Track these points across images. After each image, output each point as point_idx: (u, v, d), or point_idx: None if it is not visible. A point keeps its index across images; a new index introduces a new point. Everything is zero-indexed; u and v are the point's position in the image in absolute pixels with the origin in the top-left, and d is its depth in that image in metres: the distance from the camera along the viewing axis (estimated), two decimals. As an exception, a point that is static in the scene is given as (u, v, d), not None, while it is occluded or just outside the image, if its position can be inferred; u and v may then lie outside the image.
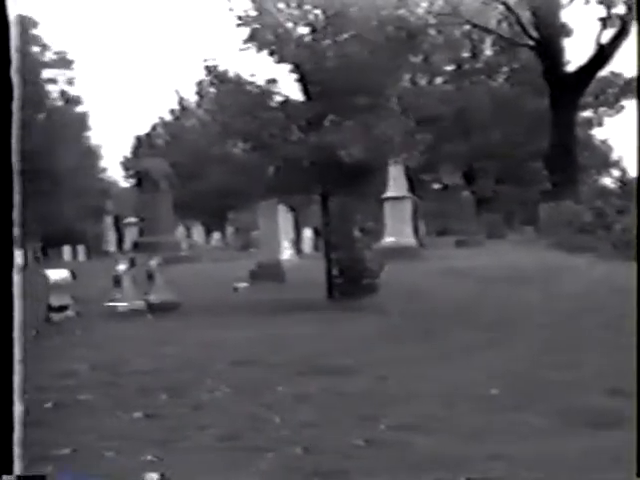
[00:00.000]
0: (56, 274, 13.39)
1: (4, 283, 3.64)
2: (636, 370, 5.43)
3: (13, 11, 3.63)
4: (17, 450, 3.69)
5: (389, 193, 24.66)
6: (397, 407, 6.56)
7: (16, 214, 3.67)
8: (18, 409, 3.68)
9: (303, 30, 26.30)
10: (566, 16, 41.61)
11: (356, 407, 6.61)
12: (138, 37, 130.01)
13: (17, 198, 3.70)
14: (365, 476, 4.89)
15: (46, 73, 53.11)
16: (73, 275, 13.94)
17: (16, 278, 3.73)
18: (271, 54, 26.51)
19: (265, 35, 25.35)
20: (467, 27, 40.90)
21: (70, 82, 53.88)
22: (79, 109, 54.93)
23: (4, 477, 3.68)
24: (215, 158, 48.16)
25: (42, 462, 5.39)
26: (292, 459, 5.27)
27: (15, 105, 3.67)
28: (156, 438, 5.85)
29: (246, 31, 25.09)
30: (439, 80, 47.48)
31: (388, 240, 23.90)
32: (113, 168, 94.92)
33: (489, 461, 5.04)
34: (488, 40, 45.62)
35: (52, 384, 7.87)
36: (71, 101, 54.04)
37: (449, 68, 46.81)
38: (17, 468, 3.79)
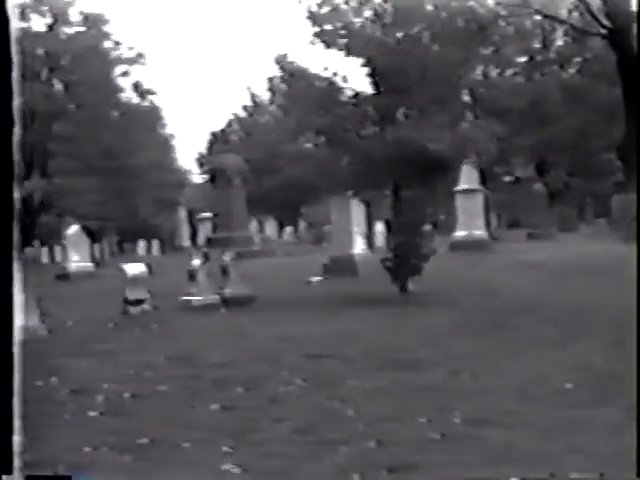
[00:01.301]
0: (133, 268, 13.62)
1: (4, 282, 3.68)
2: (636, 370, 5.38)
3: (12, 10, 3.67)
4: (17, 450, 3.73)
5: (461, 186, 24.49)
6: (471, 401, 6.55)
7: (16, 214, 3.70)
8: (17, 410, 3.72)
9: (373, 24, 26.21)
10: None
11: (430, 401, 6.61)
12: (210, 35, 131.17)
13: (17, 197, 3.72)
14: (441, 470, 4.89)
15: (120, 69, 53.86)
16: (149, 269, 14.17)
17: (17, 276, 3.77)
18: (340, 49, 26.49)
19: (334, 30, 25.33)
20: (538, 17, 40.31)
21: (143, 79, 54.54)
22: (152, 102, 55.58)
23: (4, 477, 3.72)
24: (288, 153, 48.37)
25: (122, 451, 5.54)
26: (367, 452, 5.30)
27: (16, 103, 3.71)
28: (232, 430, 5.94)
29: (315, 27, 25.13)
30: (510, 72, 46.91)
31: (460, 233, 23.76)
32: (187, 162, 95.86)
33: (566, 456, 5.01)
34: (559, 30, 44.91)
35: (131, 375, 8.05)
36: (145, 95, 54.75)
37: (520, 60, 46.20)
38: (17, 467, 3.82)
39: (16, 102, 3.67)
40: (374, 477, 4.82)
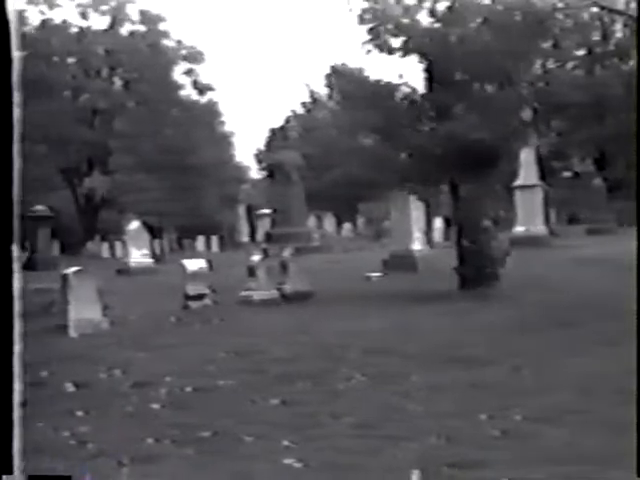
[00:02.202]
0: (193, 264, 13.75)
1: (4, 282, 3.70)
2: (636, 370, 5.30)
3: (12, 9, 3.71)
4: (17, 450, 3.76)
5: (519, 181, 24.29)
6: (532, 398, 6.51)
7: (16, 211, 3.73)
8: (17, 409, 3.76)
9: (428, 19, 25.97)
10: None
11: (491, 397, 6.59)
12: (269, 31, 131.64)
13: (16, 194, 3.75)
14: (503, 467, 4.87)
15: (180, 67, 54.36)
16: (210, 265, 14.29)
17: (16, 275, 3.79)
18: (390, 52, 26.31)
19: (388, 31, 25.16)
20: (596, 9, 39.71)
21: (205, 74, 55.02)
22: (211, 100, 56.02)
23: (4, 477, 3.76)
24: (346, 149, 48.39)
25: (184, 444, 5.61)
26: (428, 448, 5.30)
27: (16, 102, 3.74)
28: (293, 424, 5.98)
29: (368, 28, 24.90)
30: (569, 65, 46.33)
31: (519, 229, 23.57)
32: (245, 159, 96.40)
33: (629, 455, 4.95)
34: (619, 22, 44.20)
35: (193, 369, 8.14)
36: (204, 92, 55.19)
37: (579, 52, 45.58)
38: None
39: (16, 101, 3.70)
40: (435, 473, 4.82)
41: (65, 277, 11.66)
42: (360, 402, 6.62)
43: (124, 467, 5.23)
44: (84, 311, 11.43)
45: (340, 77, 41.97)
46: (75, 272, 11.70)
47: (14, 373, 3.63)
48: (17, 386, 3.64)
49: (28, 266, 31.98)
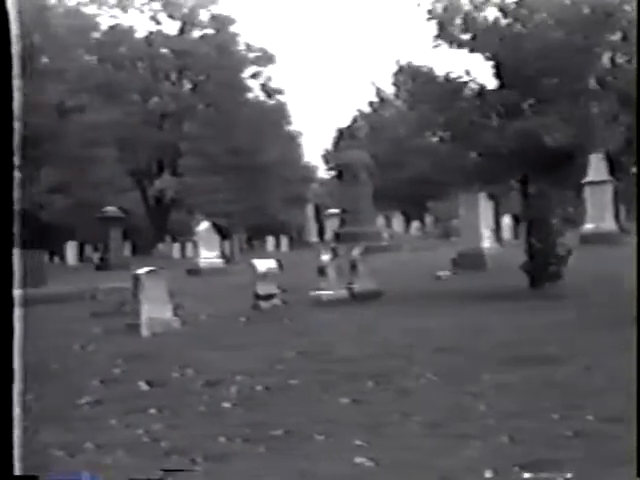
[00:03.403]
0: (264, 264, 13.86)
1: (4, 283, 3.72)
2: (636, 370, 5.15)
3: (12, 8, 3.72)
4: (17, 451, 3.79)
5: (589, 178, 23.97)
6: (604, 397, 6.42)
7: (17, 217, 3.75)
8: (17, 409, 3.78)
9: (495, 15, 25.74)
10: None
11: (562, 397, 6.53)
12: (335, 31, 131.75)
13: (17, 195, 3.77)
14: (575, 467, 4.83)
15: (249, 70, 54.77)
16: (280, 265, 14.39)
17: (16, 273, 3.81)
18: (459, 46, 26.10)
19: (456, 28, 24.99)
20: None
21: (270, 78, 55.31)
22: (279, 101, 56.36)
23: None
24: (414, 148, 48.21)
25: (256, 442, 5.67)
26: (499, 448, 5.27)
27: (16, 104, 3.76)
28: (363, 423, 6.00)
29: (437, 22, 24.80)
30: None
31: (588, 226, 23.28)
32: (313, 159, 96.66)
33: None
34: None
35: (263, 369, 8.21)
36: (272, 94, 55.51)
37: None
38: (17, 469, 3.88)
39: (16, 101, 3.73)
40: (507, 473, 4.80)
41: (137, 277, 11.85)
42: (430, 401, 6.61)
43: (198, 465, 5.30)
44: (156, 310, 11.62)
45: (408, 74, 41.75)
46: (147, 272, 11.89)
47: (14, 373, 3.66)
48: (17, 386, 3.68)
49: (101, 266, 32.62)
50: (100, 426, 6.45)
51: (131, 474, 5.21)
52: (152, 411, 6.78)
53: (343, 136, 63.88)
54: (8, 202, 3.63)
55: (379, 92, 64.22)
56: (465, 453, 5.17)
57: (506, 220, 33.86)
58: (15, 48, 3.65)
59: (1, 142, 3.63)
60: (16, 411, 3.64)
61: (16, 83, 3.68)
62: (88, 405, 7.23)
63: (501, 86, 24.67)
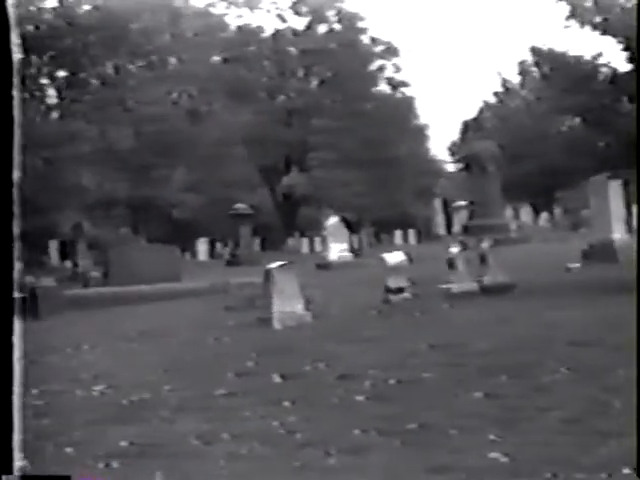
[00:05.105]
0: (393, 257, 13.86)
1: (4, 281, 3.71)
2: (636, 369, 4.85)
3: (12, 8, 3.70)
4: (17, 453, 3.79)
5: None
6: None
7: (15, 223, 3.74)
8: (17, 410, 3.78)
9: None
10: None
11: None
12: (460, 22, 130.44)
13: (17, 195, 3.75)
14: None
15: (375, 64, 54.87)
16: (409, 258, 14.36)
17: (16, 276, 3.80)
18: (594, 28, 25.48)
19: (589, 9, 24.44)
20: None
21: (399, 69, 55.28)
22: (405, 94, 56.30)
23: (4, 477, 3.79)
24: (542, 137, 47.33)
25: (391, 436, 5.68)
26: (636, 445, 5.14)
27: (16, 102, 3.75)
28: (498, 418, 5.93)
29: (566, 7, 24.31)
30: None
31: None
32: (439, 151, 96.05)
33: None
34: None
35: (396, 362, 8.22)
36: (398, 87, 55.46)
37: None
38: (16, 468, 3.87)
39: (16, 100, 3.74)
40: (646, 470, 4.67)
41: (268, 272, 12.02)
42: (566, 396, 6.48)
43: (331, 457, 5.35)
44: (287, 304, 11.77)
45: (541, 58, 40.99)
46: (278, 267, 12.04)
47: (14, 373, 3.70)
48: (17, 387, 3.73)
49: (232, 262, 33.25)
50: (235, 417, 6.58)
51: (267, 465, 5.32)
52: (286, 403, 6.88)
53: (469, 128, 63.30)
54: (8, 202, 3.69)
55: (505, 82, 63.30)
56: (604, 450, 5.05)
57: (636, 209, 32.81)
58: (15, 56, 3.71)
59: (1, 143, 3.70)
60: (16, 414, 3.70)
61: (16, 81, 3.73)
62: (223, 396, 7.39)
63: (634, 70, 23.92)
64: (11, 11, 3.67)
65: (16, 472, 3.73)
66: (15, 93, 3.72)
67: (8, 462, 3.67)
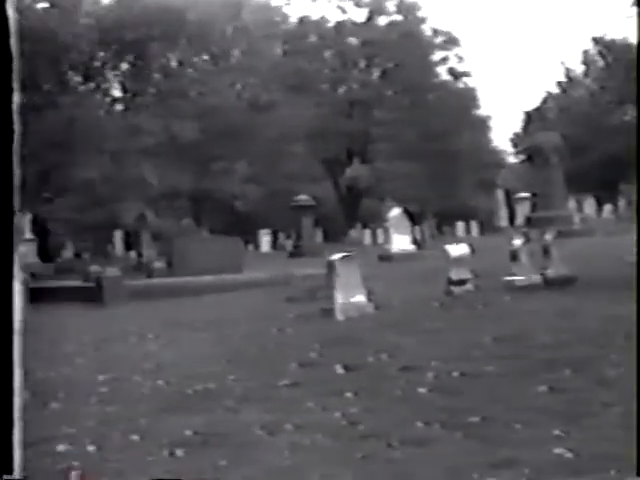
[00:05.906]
0: (456, 249, 13.78)
1: (4, 279, 3.70)
2: (636, 369, 4.89)
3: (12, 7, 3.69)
4: (17, 451, 3.78)
5: None
6: None
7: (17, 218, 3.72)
8: (18, 409, 3.77)
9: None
10: None
11: None
12: (522, 12, 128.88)
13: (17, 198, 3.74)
14: None
15: (437, 55, 54.55)
16: (472, 250, 14.26)
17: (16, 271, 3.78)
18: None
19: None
20: None
21: (460, 60, 54.90)
22: (467, 85, 55.93)
23: (4, 477, 3.79)
24: (607, 127, 46.64)
25: (453, 428, 5.68)
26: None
27: (15, 104, 3.74)
28: (562, 412, 5.88)
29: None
30: None
31: None
32: (501, 141, 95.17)
33: None
34: None
35: (458, 354, 8.20)
36: (460, 77, 55.11)
37: None
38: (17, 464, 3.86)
39: (16, 101, 3.75)
40: None
41: (331, 263, 12.05)
42: (630, 391, 6.40)
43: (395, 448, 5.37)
44: (350, 295, 11.79)
45: (604, 47, 40.50)
46: (341, 258, 12.07)
47: (14, 373, 3.72)
48: (17, 386, 3.74)
49: (294, 253, 33.36)
50: (298, 408, 6.63)
51: (329, 456, 5.35)
52: (348, 395, 6.91)
53: (532, 119, 62.55)
54: (8, 202, 3.73)
55: (568, 72, 62.44)
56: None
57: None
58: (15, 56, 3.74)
59: (1, 143, 3.73)
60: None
61: (15, 77, 3.76)
62: (286, 387, 7.44)
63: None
64: (11, 11, 3.72)
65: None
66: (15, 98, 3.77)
67: (8, 462, 3.67)
